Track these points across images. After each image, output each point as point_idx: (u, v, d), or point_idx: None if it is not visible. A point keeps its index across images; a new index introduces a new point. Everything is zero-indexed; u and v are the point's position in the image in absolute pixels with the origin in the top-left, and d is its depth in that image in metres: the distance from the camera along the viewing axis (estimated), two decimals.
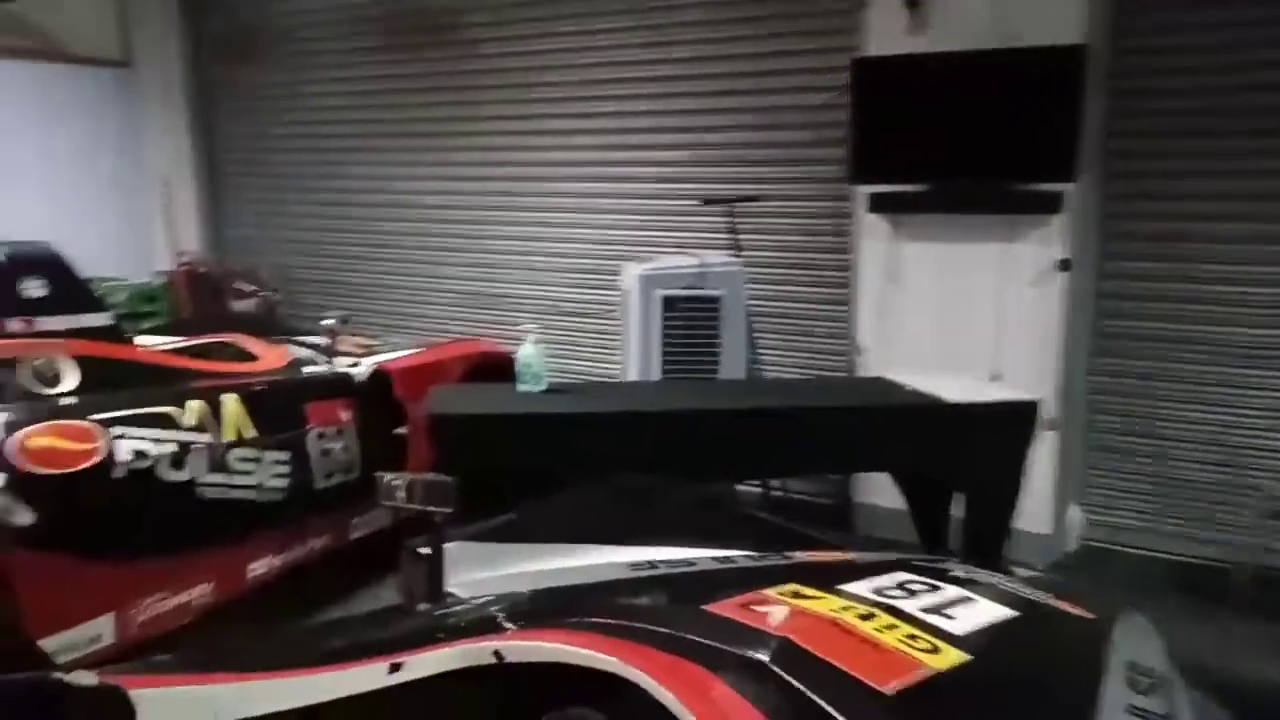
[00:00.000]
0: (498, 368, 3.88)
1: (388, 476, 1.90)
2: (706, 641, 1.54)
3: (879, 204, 4.18)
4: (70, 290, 3.10)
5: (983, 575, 2.04)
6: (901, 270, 4.25)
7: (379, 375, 3.85)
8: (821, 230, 4.63)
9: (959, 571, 2.04)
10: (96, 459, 2.74)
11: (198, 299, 5.88)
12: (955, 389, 3.30)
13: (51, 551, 2.56)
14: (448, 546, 2.07)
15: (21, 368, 2.80)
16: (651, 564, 2.13)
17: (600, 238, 5.31)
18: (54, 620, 2.56)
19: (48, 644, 2.53)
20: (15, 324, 2.90)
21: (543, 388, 3.28)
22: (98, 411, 2.84)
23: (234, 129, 6.58)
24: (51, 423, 2.71)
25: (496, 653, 1.59)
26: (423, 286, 6.03)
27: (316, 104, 6.17)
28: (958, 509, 3.41)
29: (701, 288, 3.95)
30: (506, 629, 1.74)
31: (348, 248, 6.26)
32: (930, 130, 3.95)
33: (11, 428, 2.61)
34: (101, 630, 2.70)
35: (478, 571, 2.04)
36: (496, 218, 5.65)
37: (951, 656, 1.50)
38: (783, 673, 1.42)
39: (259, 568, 3.25)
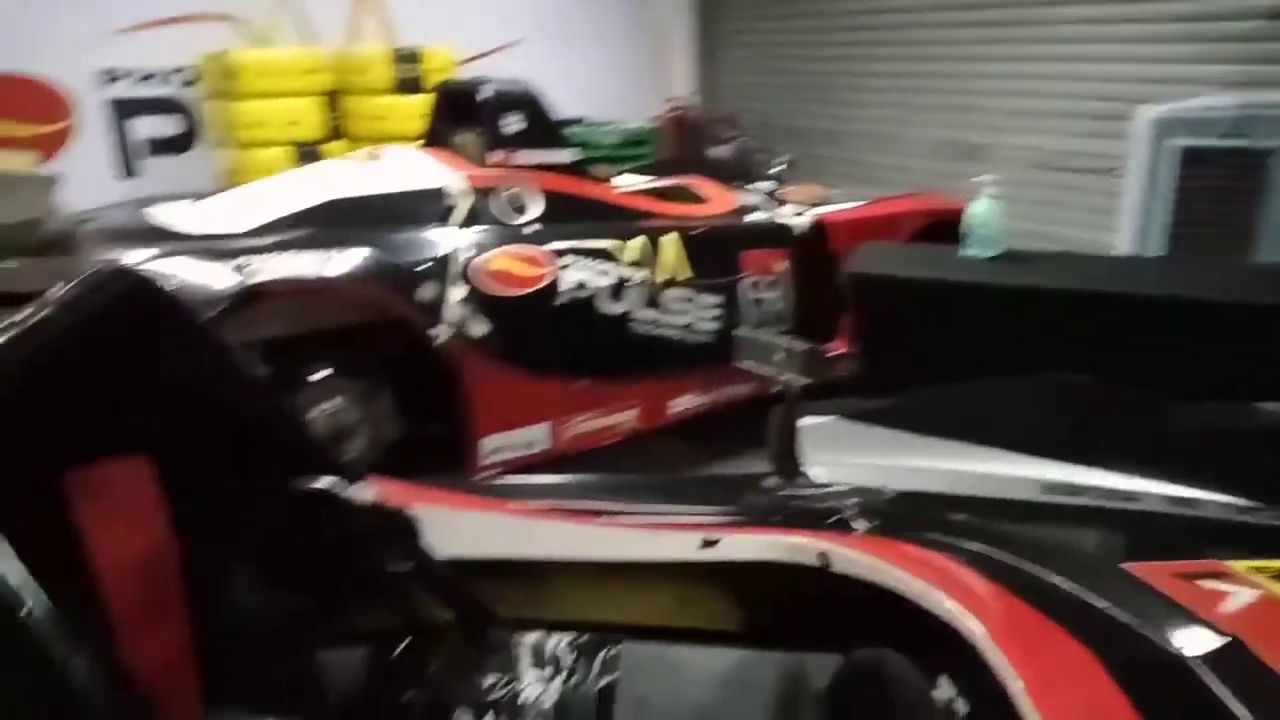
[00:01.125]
0: (956, 229, 3.39)
1: (743, 332, 1.70)
2: (1106, 611, 1.13)
3: None
4: (543, 128, 3.36)
5: None
6: None
7: (817, 228, 3.62)
8: None
9: None
10: (544, 284, 2.99)
11: (680, 143, 6.14)
12: None
13: (499, 362, 2.88)
14: (821, 421, 1.83)
15: (495, 196, 3.12)
16: (1073, 488, 1.66)
17: (1109, 73, 4.30)
18: (497, 422, 2.92)
19: (489, 442, 2.90)
20: (496, 155, 3.23)
21: (993, 253, 2.75)
22: (551, 241, 3.07)
23: None
24: (511, 247, 2.99)
25: (823, 555, 1.34)
26: (898, 134, 5.54)
27: None
28: None
29: (1242, 137, 2.93)
30: (853, 529, 1.48)
31: (829, 93, 5.98)
32: None
33: (479, 249, 2.93)
34: (536, 438, 3.02)
35: (847, 455, 1.77)
36: (985, 53, 4.88)
37: None
38: (1213, 683, 0.97)
39: (680, 404, 3.36)
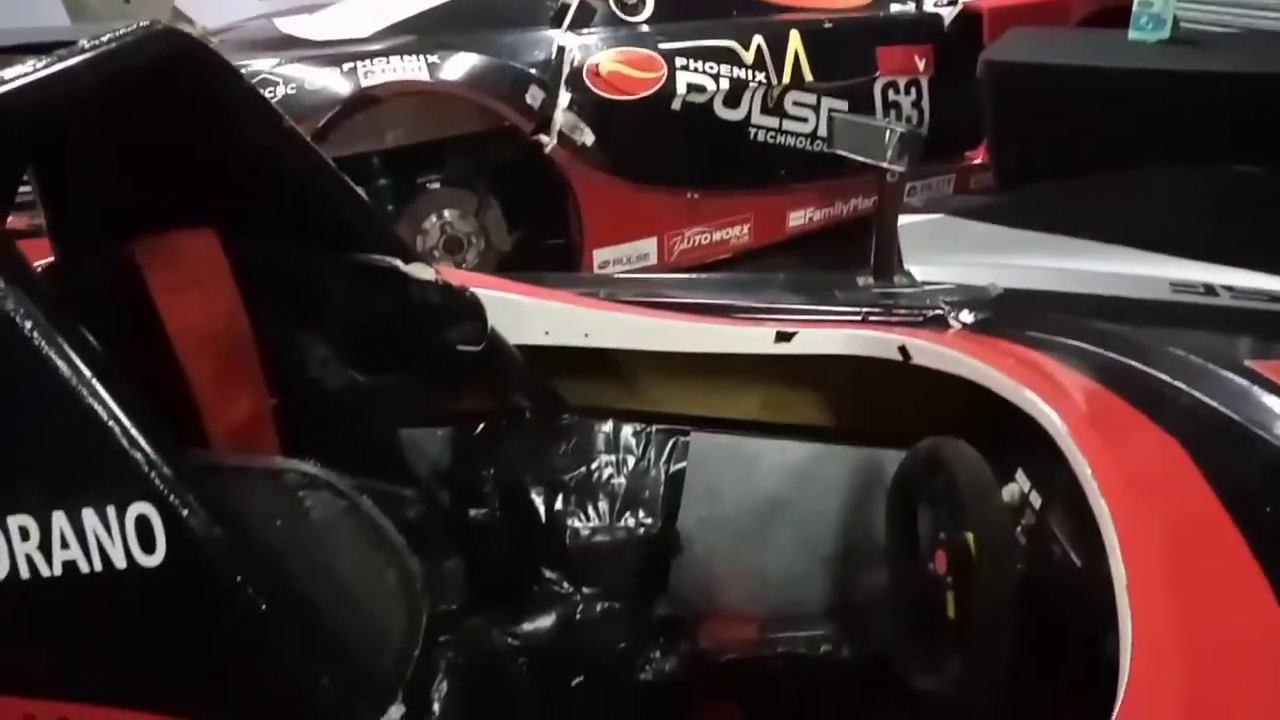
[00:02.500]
0: None
1: (840, 116, 1.55)
2: (1216, 409, 1.03)
3: None
4: None
5: None
6: None
7: (969, 17, 3.23)
8: None
9: None
10: (656, 89, 2.85)
11: None
12: None
13: (607, 171, 2.81)
14: (926, 218, 1.69)
15: None
16: (1208, 288, 1.48)
17: None
18: (605, 234, 2.89)
19: (598, 255, 2.88)
20: None
21: (1163, 35, 2.38)
22: (665, 41, 2.90)
23: None
24: (623, 49, 2.85)
25: (903, 349, 1.26)
26: None
27: None
28: None
29: None
30: (950, 326, 1.38)
31: None
32: None
33: (589, 51, 2.81)
34: (646, 251, 2.97)
35: (954, 253, 1.64)
36: None
37: None
38: None
39: (798, 218, 3.20)
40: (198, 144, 1.09)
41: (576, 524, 1.29)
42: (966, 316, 1.37)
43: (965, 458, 1.07)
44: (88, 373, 0.66)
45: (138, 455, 0.65)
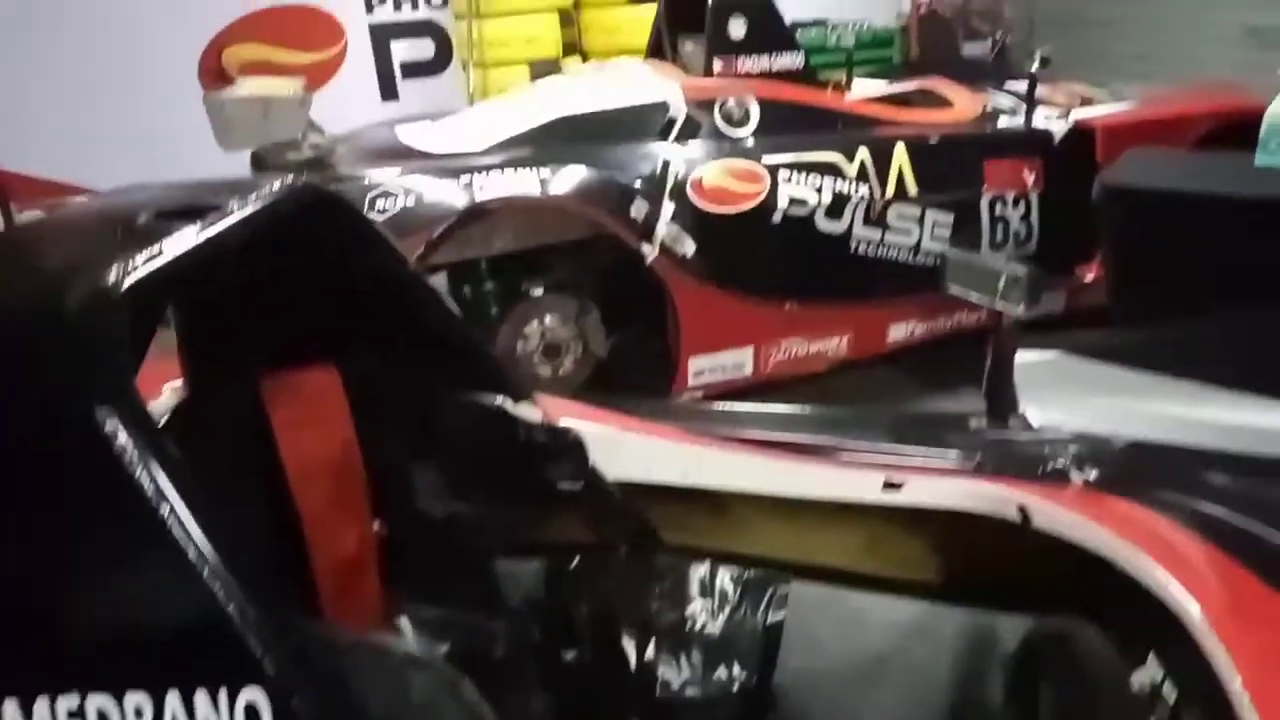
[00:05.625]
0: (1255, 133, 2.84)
1: (953, 253, 1.52)
2: None
3: None
4: (771, 32, 3.19)
5: None
6: None
7: (1079, 133, 3.18)
8: None
9: None
10: (758, 201, 2.88)
11: (930, 42, 5.62)
12: None
13: (707, 281, 2.83)
14: (1043, 357, 1.63)
15: (713, 108, 3.02)
16: None
17: None
18: (702, 343, 2.89)
19: (693, 363, 2.88)
20: (718, 64, 3.12)
21: None
22: (770, 154, 2.94)
23: None
24: (726, 161, 2.90)
25: (1022, 509, 1.20)
26: (1191, 18, 4.72)
27: None
28: None
29: None
30: (1072, 481, 1.31)
31: None
32: None
33: (694, 164, 2.87)
34: (743, 360, 2.96)
35: (1072, 396, 1.56)
36: None
37: None
38: None
39: (900, 331, 3.14)
40: (327, 283, 1.14)
41: (668, 673, 1.26)
42: (1090, 473, 1.30)
43: (1092, 642, 1.00)
44: (209, 551, 0.68)
45: (252, 640, 0.66)
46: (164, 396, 1.12)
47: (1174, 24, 4.83)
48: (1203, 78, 4.63)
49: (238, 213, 0.92)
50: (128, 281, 0.74)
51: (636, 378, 3.02)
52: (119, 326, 0.74)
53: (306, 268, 1.11)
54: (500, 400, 1.19)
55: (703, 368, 2.89)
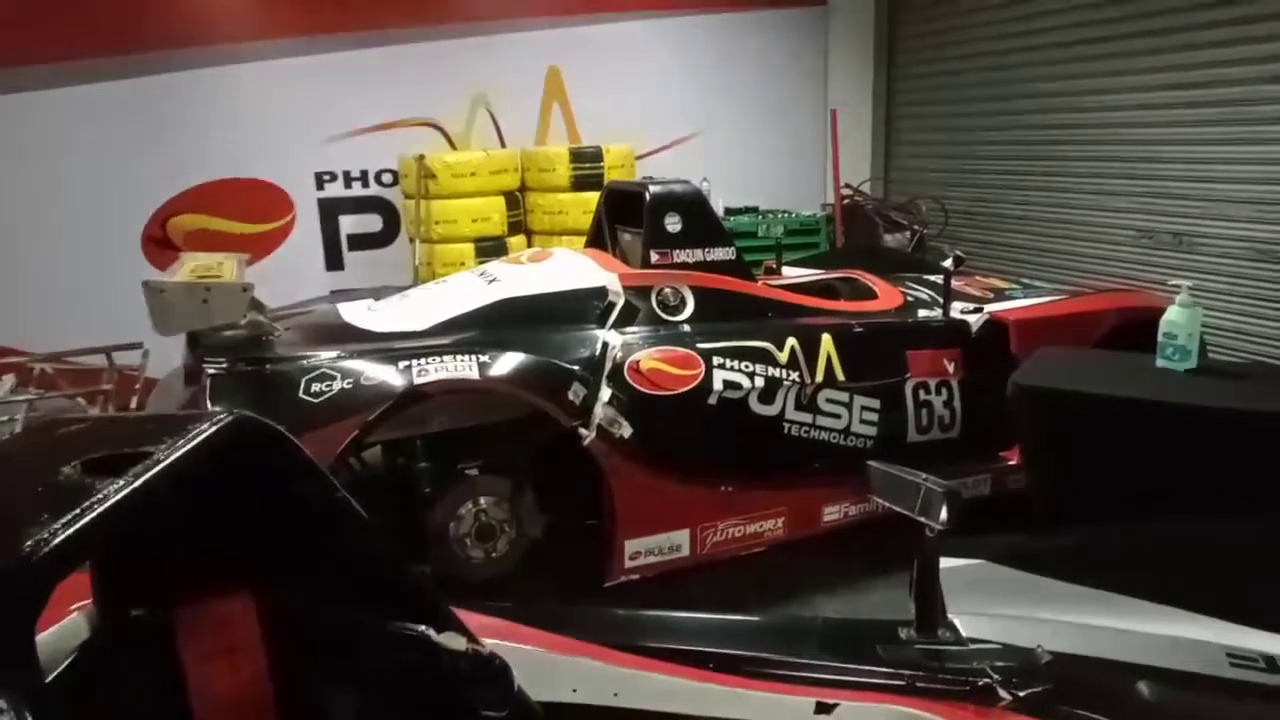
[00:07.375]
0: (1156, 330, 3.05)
1: (876, 463, 1.58)
2: None
3: None
4: (704, 226, 3.38)
5: None
6: None
7: (994, 326, 3.38)
8: None
9: None
10: (694, 385, 2.95)
11: (851, 231, 6.00)
12: None
13: (643, 464, 2.85)
14: (967, 564, 1.67)
15: (649, 296, 3.14)
16: (1270, 662, 1.41)
17: None
18: (639, 524, 2.88)
19: (630, 545, 2.86)
20: (654, 255, 3.27)
21: (1190, 365, 2.46)
22: (703, 341, 3.05)
23: (915, 68, 6.43)
24: (663, 348, 2.99)
25: None
26: (1090, 221, 5.17)
27: (999, 47, 5.65)
28: None
29: None
30: (1000, 699, 1.32)
31: (1011, 177, 5.69)
32: None
33: (630, 349, 2.95)
34: (679, 541, 2.95)
35: (997, 605, 1.59)
36: (1180, 135, 4.51)
37: None
38: None
39: (834, 512, 3.18)
40: (251, 511, 1.12)
41: None
42: (1016, 689, 1.31)
43: None
44: None
45: None
46: (70, 619, 1.07)
47: (1075, 223, 5.26)
48: (1103, 271, 5.03)
49: (168, 458, 0.91)
50: (42, 552, 0.72)
51: (572, 560, 2.98)
52: (26, 605, 0.71)
53: (232, 498, 1.09)
54: (425, 631, 1.16)
55: (639, 549, 2.87)
